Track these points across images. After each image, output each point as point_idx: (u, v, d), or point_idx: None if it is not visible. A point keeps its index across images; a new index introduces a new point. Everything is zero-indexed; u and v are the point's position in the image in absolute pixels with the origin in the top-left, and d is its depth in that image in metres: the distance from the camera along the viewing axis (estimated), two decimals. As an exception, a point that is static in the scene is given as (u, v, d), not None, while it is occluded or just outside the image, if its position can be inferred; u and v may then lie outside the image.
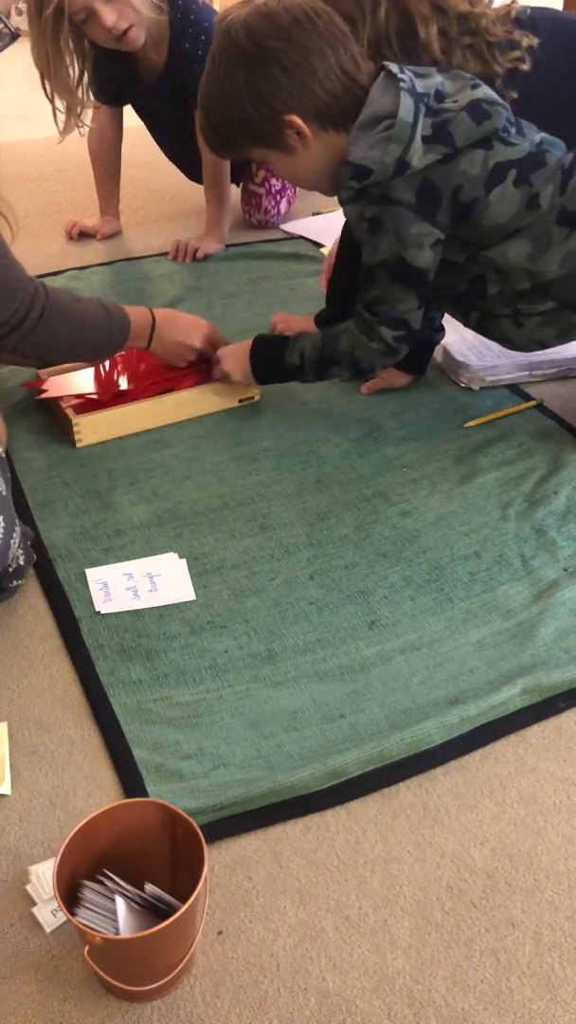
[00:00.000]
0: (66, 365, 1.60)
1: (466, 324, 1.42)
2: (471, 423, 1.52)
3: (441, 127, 1.19)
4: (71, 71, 1.82)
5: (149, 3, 1.82)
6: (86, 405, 1.50)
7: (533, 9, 1.49)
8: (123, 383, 1.56)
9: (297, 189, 2.31)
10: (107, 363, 1.61)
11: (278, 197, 2.24)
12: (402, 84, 1.19)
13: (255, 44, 1.19)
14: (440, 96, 1.22)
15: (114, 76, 1.98)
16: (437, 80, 1.24)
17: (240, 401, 1.59)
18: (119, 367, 1.61)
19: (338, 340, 1.40)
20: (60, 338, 1.34)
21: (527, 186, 1.22)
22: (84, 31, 1.80)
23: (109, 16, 1.75)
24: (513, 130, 1.25)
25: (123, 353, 1.64)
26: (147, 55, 1.94)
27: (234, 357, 1.50)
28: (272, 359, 1.46)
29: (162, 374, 1.58)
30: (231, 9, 1.23)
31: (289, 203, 2.29)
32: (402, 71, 1.22)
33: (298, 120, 1.22)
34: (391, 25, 1.39)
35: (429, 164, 1.19)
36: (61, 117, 1.87)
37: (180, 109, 1.99)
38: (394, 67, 1.22)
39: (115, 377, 1.58)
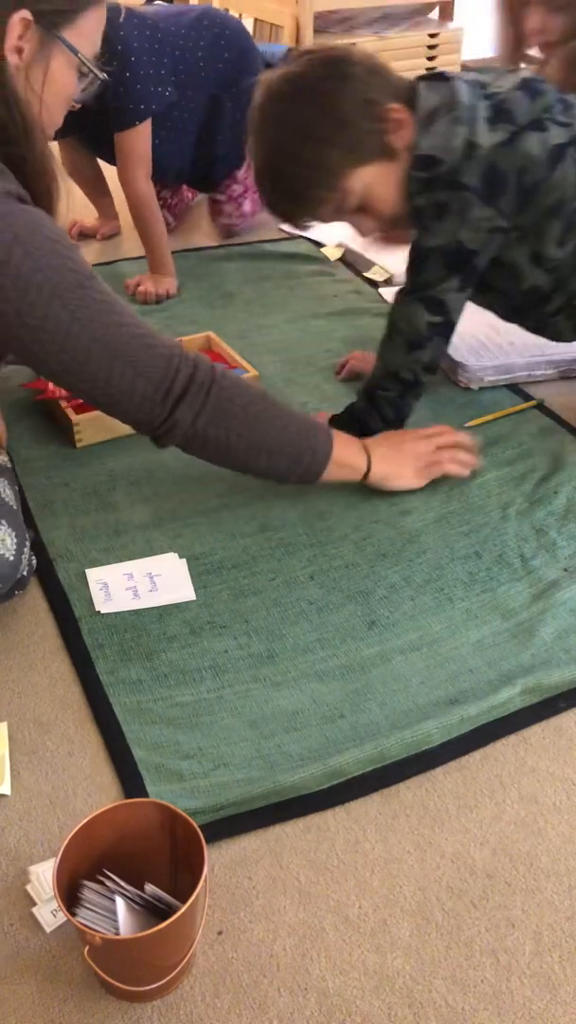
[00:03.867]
0: None
1: (521, 325, 1.46)
2: (471, 423, 1.52)
3: (500, 107, 1.22)
4: None
5: None
6: (86, 405, 1.50)
7: None
8: None
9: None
10: None
11: (240, 201, 2.19)
12: (447, 74, 1.23)
13: (305, 136, 1.20)
14: (483, 85, 1.25)
15: None
16: (472, 75, 1.27)
17: None
18: None
19: (384, 362, 1.40)
20: (246, 420, 1.14)
21: None
22: None
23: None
24: (560, 106, 1.26)
25: None
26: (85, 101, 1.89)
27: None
28: (356, 433, 1.42)
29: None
30: (270, 86, 1.23)
31: (255, 204, 2.22)
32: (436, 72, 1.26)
33: (359, 181, 1.24)
34: None
35: (495, 145, 1.20)
36: None
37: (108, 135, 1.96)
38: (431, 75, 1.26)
39: None
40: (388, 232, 1.41)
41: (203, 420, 1.13)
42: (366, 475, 1.30)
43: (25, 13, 1.00)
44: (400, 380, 1.38)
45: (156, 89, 1.85)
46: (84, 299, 1.03)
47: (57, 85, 1.08)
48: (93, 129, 1.94)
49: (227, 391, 1.13)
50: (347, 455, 1.27)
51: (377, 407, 1.42)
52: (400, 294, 1.35)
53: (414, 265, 1.32)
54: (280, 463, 1.21)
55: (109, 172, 2.22)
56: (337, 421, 1.45)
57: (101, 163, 2.21)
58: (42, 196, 1.06)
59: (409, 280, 1.33)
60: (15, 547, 1.08)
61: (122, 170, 1.91)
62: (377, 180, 1.25)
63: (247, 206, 2.20)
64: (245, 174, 2.16)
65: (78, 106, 1.16)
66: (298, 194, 1.26)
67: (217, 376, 1.13)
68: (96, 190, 2.27)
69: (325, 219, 1.30)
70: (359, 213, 1.29)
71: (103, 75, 1.12)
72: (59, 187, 1.06)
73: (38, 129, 1.03)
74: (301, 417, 1.22)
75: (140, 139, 1.87)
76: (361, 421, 1.43)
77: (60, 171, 1.06)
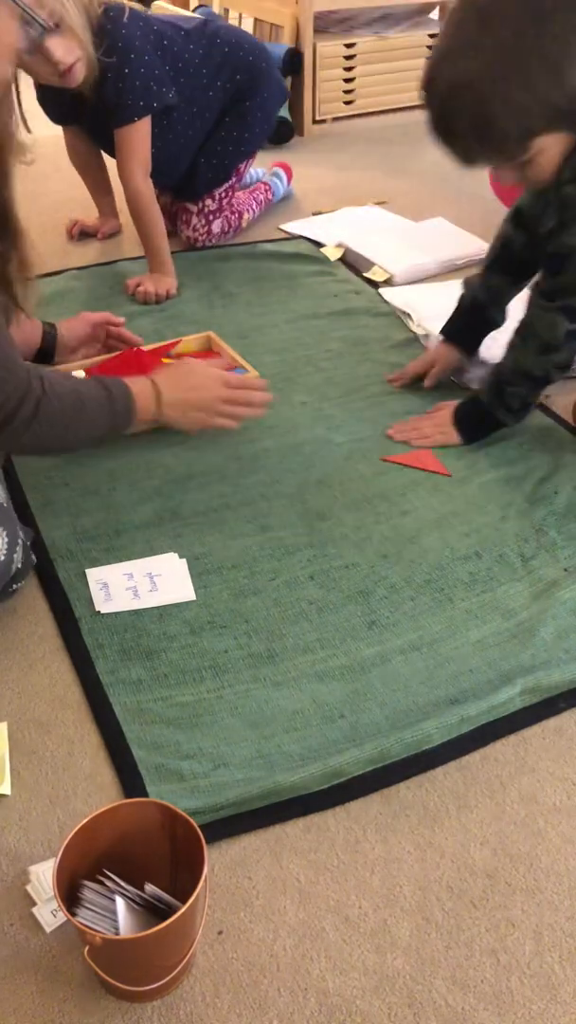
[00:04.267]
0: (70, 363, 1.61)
1: None
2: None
3: None
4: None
5: (91, 39, 1.72)
6: None
7: None
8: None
9: (245, 212, 2.25)
10: (108, 359, 1.62)
11: (210, 218, 2.16)
12: None
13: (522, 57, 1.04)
14: None
15: (57, 99, 1.92)
16: None
17: None
18: (119, 363, 1.61)
19: (515, 360, 1.40)
20: (57, 433, 1.18)
21: None
22: (25, 64, 1.67)
23: (58, 49, 1.65)
24: None
25: (123, 352, 1.64)
26: (83, 93, 1.85)
27: (445, 434, 1.47)
28: (482, 423, 1.47)
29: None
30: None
31: (228, 225, 2.20)
32: None
33: (542, 144, 1.14)
34: None
35: None
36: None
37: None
38: None
39: (116, 371, 1.58)
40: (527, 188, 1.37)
41: (14, 445, 1.19)
42: (161, 423, 1.34)
43: None
44: (531, 378, 1.39)
45: (156, 88, 1.85)
46: None
47: (1, 34, 1.06)
48: (94, 121, 1.94)
49: (45, 420, 1.13)
50: (144, 415, 1.29)
51: (504, 400, 1.43)
52: (539, 297, 1.32)
53: (556, 265, 1.28)
54: (84, 447, 1.31)
55: (113, 171, 2.22)
56: (463, 410, 1.47)
57: (107, 161, 2.20)
58: None
59: (550, 282, 1.30)
60: (6, 546, 1.08)
61: (121, 167, 1.90)
62: (552, 148, 1.13)
63: (216, 226, 2.17)
64: (225, 194, 2.16)
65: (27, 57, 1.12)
66: (494, 139, 1.12)
67: (40, 407, 1.12)
68: (99, 186, 2.26)
69: (487, 165, 1.21)
70: (516, 166, 1.18)
71: (49, 24, 1.10)
72: (14, 137, 1.02)
73: None
74: (104, 402, 1.22)
75: (138, 136, 1.87)
76: (488, 412, 1.45)
77: (16, 126, 1.02)
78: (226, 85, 1.99)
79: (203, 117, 2.01)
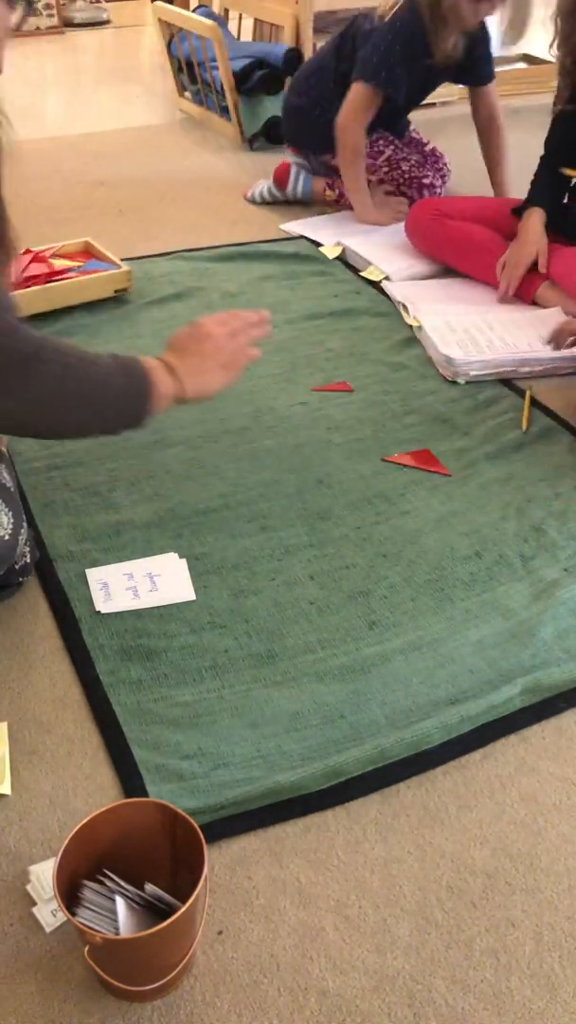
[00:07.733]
0: None
1: None
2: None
3: None
4: None
5: None
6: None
7: None
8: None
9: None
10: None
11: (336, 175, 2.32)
12: None
13: None
14: None
15: None
16: None
17: (116, 291, 1.84)
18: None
19: None
20: (65, 388, 1.02)
21: None
22: None
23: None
24: None
25: (25, 266, 1.81)
26: None
27: None
28: None
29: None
30: None
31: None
32: None
33: None
34: None
35: None
36: None
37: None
38: None
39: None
40: None
41: (20, 400, 1.00)
42: (184, 398, 1.17)
43: None
44: None
45: None
46: None
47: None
48: None
49: (47, 364, 1.00)
50: (164, 389, 1.13)
51: None
52: None
53: None
54: (102, 422, 1.11)
55: (125, 172, 2.20)
56: None
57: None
58: None
59: None
60: (11, 526, 1.07)
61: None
62: None
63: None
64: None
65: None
66: None
67: (42, 350, 1.00)
68: None
69: None
70: None
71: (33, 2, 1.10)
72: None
73: None
74: (118, 372, 1.09)
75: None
76: None
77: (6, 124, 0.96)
78: None
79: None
